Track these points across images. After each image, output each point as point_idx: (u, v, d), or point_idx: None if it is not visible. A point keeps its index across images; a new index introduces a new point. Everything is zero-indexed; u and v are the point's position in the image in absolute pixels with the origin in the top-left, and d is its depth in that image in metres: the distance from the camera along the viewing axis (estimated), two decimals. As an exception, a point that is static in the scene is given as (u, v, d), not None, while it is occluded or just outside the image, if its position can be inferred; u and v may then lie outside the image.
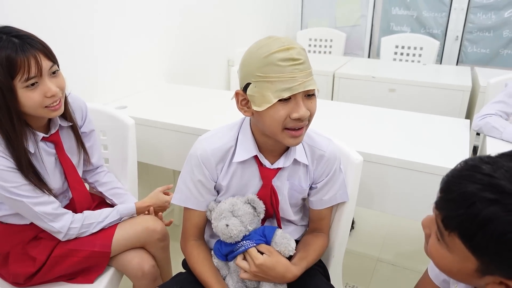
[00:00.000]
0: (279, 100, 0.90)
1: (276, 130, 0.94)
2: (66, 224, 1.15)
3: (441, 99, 2.38)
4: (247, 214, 1.02)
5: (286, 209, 1.12)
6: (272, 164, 1.05)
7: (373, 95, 2.54)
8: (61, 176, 1.22)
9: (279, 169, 1.06)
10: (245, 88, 0.94)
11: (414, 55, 3.30)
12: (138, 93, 2.11)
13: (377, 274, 1.98)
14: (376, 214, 2.42)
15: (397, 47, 3.34)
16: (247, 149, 1.03)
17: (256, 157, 1.04)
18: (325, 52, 3.68)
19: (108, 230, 1.22)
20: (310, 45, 3.71)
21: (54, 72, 1.06)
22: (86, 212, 1.22)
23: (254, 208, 1.04)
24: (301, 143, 1.07)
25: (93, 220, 1.21)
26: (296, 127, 0.94)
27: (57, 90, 1.05)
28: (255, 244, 1.01)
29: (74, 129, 1.25)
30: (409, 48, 3.31)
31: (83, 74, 1.81)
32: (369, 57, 3.79)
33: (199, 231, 1.12)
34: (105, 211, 1.25)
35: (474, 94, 2.41)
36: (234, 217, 1.02)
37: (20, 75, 0.98)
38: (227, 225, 1.01)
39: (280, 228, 1.13)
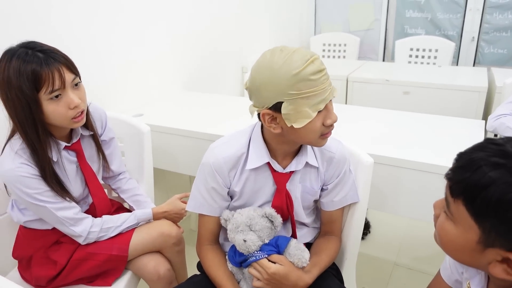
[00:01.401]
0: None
1: (314, 139, 0.98)
2: (86, 228, 1.20)
3: (457, 101, 2.35)
4: (265, 229, 1.03)
5: (300, 212, 1.13)
6: (284, 168, 1.07)
7: (387, 98, 2.53)
8: (81, 183, 1.27)
9: (291, 173, 1.08)
10: (273, 107, 0.92)
11: (429, 57, 3.27)
12: (154, 101, 2.16)
13: (393, 278, 1.96)
14: (392, 218, 2.40)
15: (411, 49, 3.32)
16: (259, 156, 1.04)
17: (268, 163, 1.06)
18: (339, 57, 3.68)
19: (126, 235, 1.26)
20: (324, 50, 3.72)
21: (76, 84, 1.11)
22: (105, 217, 1.26)
23: (272, 222, 1.04)
24: (311, 146, 1.09)
25: (111, 224, 1.25)
26: (329, 130, 0.99)
27: (79, 102, 1.10)
28: (266, 256, 1.02)
29: (95, 137, 1.30)
30: (424, 50, 3.28)
31: (101, 83, 1.87)
32: (383, 60, 3.77)
33: (214, 236, 1.15)
34: (123, 216, 1.29)
35: (491, 95, 2.38)
36: (252, 232, 1.02)
37: (45, 88, 1.03)
38: (245, 240, 1.01)
39: (295, 232, 1.14)
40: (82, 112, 1.13)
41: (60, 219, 1.16)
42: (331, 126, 0.97)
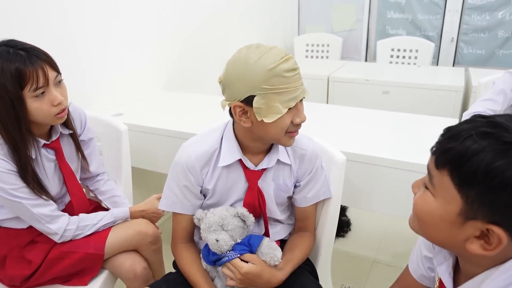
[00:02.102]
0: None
1: (280, 136, 0.99)
2: (62, 225, 1.19)
3: (434, 100, 2.40)
4: (237, 228, 1.04)
5: (273, 209, 1.15)
6: (256, 166, 1.08)
7: (367, 98, 2.57)
8: (59, 182, 1.26)
9: (263, 170, 1.09)
10: (245, 100, 0.94)
11: (410, 57, 3.32)
12: (134, 101, 2.15)
13: (373, 275, 1.99)
14: (372, 216, 2.44)
15: (393, 50, 3.37)
16: (231, 153, 1.06)
17: (240, 160, 1.07)
18: (322, 57, 3.71)
19: (102, 233, 1.26)
20: (307, 50, 3.75)
21: (59, 82, 1.13)
22: (81, 215, 1.26)
23: (244, 221, 1.05)
24: None
25: (88, 222, 1.25)
26: (295, 130, 1.00)
27: (63, 99, 1.12)
28: (238, 255, 1.03)
29: (74, 136, 1.30)
30: (404, 51, 3.33)
31: (80, 82, 1.86)
32: (366, 60, 3.82)
33: (188, 234, 1.15)
34: (100, 214, 1.29)
35: (467, 94, 2.44)
36: (224, 231, 1.03)
37: (29, 86, 1.04)
38: (217, 240, 1.02)
39: (267, 230, 1.16)
40: (64, 109, 1.14)
41: (36, 216, 1.15)
42: (298, 125, 0.99)
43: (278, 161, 1.09)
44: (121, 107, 2.04)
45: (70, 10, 1.75)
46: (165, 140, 1.77)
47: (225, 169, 1.08)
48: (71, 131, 1.28)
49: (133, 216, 1.35)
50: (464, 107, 2.42)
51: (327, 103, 2.74)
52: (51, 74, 1.08)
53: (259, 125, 0.97)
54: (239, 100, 0.95)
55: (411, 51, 3.32)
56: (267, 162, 1.08)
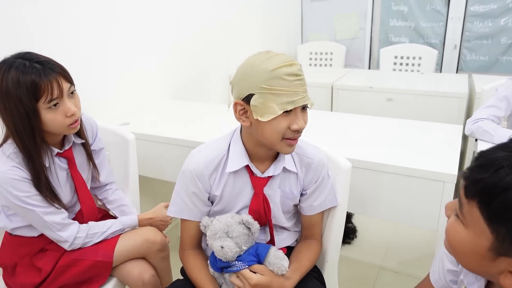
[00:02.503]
0: (282, 112, 0.96)
1: (276, 140, 1.00)
2: (72, 233, 1.21)
3: (438, 107, 2.41)
4: (242, 235, 1.05)
5: (279, 216, 1.16)
6: (262, 173, 1.10)
7: (371, 105, 2.59)
8: (71, 191, 1.29)
9: (269, 177, 1.10)
10: (246, 98, 0.98)
11: (413, 64, 3.34)
12: (141, 110, 2.18)
13: (379, 281, 1.99)
14: (378, 223, 2.44)
15: (396, 57, 3.39)
16: (239, 159, 1.07)
17: (247, 166, 1.09)
18: (325, 65, 3.74)
19: (111, 241, 1.28)
20: (311, 59, 3.78)
21: (72, 93, 1.15)
22: (91, 223, 1.28)
23: (249, 228, 1.06)
24: None
25: (97, 230, 1.27)
26: (293, 137, 1.01)
27: (76, 110, 1.15)
28: (247, 266, 1.04)
29: (86, 146, 1.32)
30: (408, 58, 3.35)
31: (89, 92, 1.89)
32: (369, 68, 3.83)
33: (196, 240, 1.17)
34: (109, 222, 1.31)
35: (471, 101, 2.44)
36: (229, 238, 1.04)
37: (44, 98, 1.07)
38: (222, 247, 1.03)
39: (273, 237, 1.17)
40: (77, 120, 1.17)
41: (48, 224, 1.17)
42: (296, 133, 1.00)
43: (285, 169, 1.11)
44: (128, 116, 2.07)
45: (80, 20, 1.79)
46: (171, 148, 1.79)
47: (232, 175, 1.09)
48: (83, 141, 1.30)
49: (141, 224, 1.36)
50: (468, 114, 2.43)
51: (331, 110, 2.76)
52: (65, 85, 1.11)
53: (257, 125, 0.99)
54: (240, 98, 0.99)
55: (414, 58, 3.33)
56: (273, 169, 1.10)
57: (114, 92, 2.04)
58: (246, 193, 1.12)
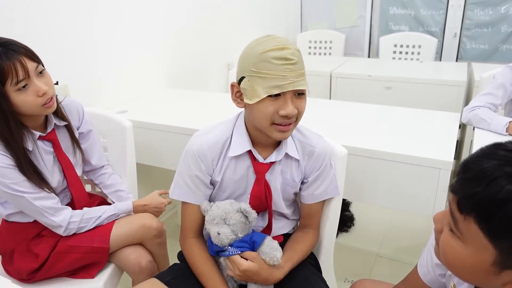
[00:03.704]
0: (269, 96, 0.95)
1: (265, 124, 0.99)
2: (66, 218, 1.21)
3: (437, 95, 2.40)
4: (239, 223, 1.05)
5: (279, 203, 1.16)
6: (265, 159, 1.09)
7: (370, 93, 2.58)
8: (60, 174, 1.28)
9: (271, 163, 1.10)
10: (239, 81, 0.99)
11: (413, 53, 3.32)
12: (139, 98, 2.18)
13: (376, 268, 2.01)
14: (376, 211, 2.45)
15: (395, 46, 3.37)
16: (241, 144, 1.07)
17: (250, 152, 1.08)
18: (325, 54, 3.72)
19: (106, 227, 1.28)
20: (310, 47, 3.76)
21: (41, 72, 1.13)
22: (85, 209, 1.29)
23: (246, 217, 1.06)
24: (292, 139, 1.12)
25: (92, 215, 1.27)
26: (283, 123, 0.99)
27: (47, 88, 1.13)
28: (239, 252, 1.05)
29: (69, 128, 1.31)
30: (407, 46, 3.33)
31: (87, 80, 1.89)
32: (369, 57, 3.81)
33: (198, 227, 1.15)
34: (103, 207, 1.31)
35: (470, 89, 2.44)
36: (226, 225, 1.05)
37: (10, 80, 1.05)
38: (218, 233, 1.04)
39: (271, 223, 1.17)
40: (51, 98, 1.15)
41: (39, 209, 1.17)
42: (285, 118, 0.98)
43: (287, 155, 1.10)
44: (125, 104, 2.07)
45: (75, 10, 1.77)
46: (169, 136, 1.79)
47: (234, 160, 1.09)
48: (65, 123, 1.29)
49: (136, 210, 1.37)
50: (467, 102, 2.42)
51: (330, 99, 2.75)
52: (31, 65, 1.09)
53: (249, 108, 1.02)
54: (237, 80, 1.01)
55: (414, 47, 3.31)
56: (276, 155, 1.09)
57: (111, 81, 2.03)
58: (247, 179, 1.12)
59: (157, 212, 1.40)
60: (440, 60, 3.51)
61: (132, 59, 2.14)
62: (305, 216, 1.22)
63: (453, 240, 0.60)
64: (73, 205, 1.31)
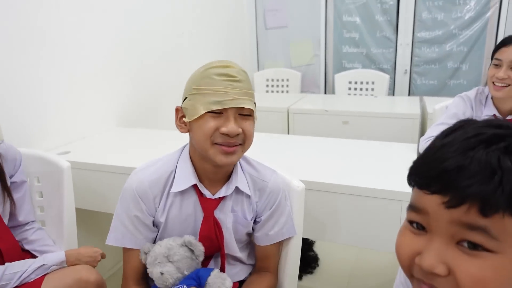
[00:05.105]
0: (210, 113, 0.89)
1: (206, 144, 0.91)
2: None
3: (393, 128, 2.42)
4: (184, 259, 0.94)
5: (231, 245, 1.05)
6: (213, 194, 0.99)
7: (328, 128, 2.56)
8: None
9: (221, 199, 1.00)
10: (183, 103, 0.96)
11: (367, 89, 3.39)
12: (85, 138, 2.03)
13: (343, 312, 1.89)
14: (341, 250, 2.36)
15: (350, 82, 3.44)
16: (186, 177, 0.97)
17: (195, 187, 0.98)
18: (282, 91, 3.74)
19: (33, 284, 1.10)
20: (267, 85, 3.77)
21: None
22: (7, 263, 1.11)
23: (192, 251, 0.96)
24: (243, 174, 1.03)
25: (16, 269, 1.10)
26: (225, 143, 0.91)
27: None
28: None
29: (1, 176, 1.17)
30: (361, 83, 3.41)
31: (26, 118, 1.72)
32: (325, 93, 3.87)
33: (140, 273, 1.03)
34: (30, 260, 1.14)
35: (424, 121, 2.48)
36: (170, 263, 0.94)
37: None
38: (161, 273, 0.92)
39: (223, 265, 1.05)
40: None
41: None
42: (226, 137, 0.91)
43: (237, 190, 1.01)
44: (69, 145, 1.91)
45: (14, 41, 1.64)
46: (114, 178, 1.64)
47: (179, 196, 0.98)
48: None
49: (68, 260, 1.20)
50: (422, 133, 2.45)
51: (288, 133, 2.71)
52: None
53: (191, 133, 0.95)
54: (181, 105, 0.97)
55: (367, 83, 3.39)
56: (225, 190, 1.00)
57: (54, 120, 1.88)
58: (194, 218, 1.00)
59: (92, 261, 1.24)
60: (393, 95, 3.61)
61: (79, 96, 2.01)
62: (261, 258, 1.11)
63: (486, 261, 0.44)
64: (2, 260, 1.12)
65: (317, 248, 2.32)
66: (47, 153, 1.44)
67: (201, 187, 0.98)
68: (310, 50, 3.82)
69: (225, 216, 1.02)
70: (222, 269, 1.05)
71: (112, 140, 2.03)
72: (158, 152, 1.80)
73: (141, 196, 0.96)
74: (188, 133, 0.98)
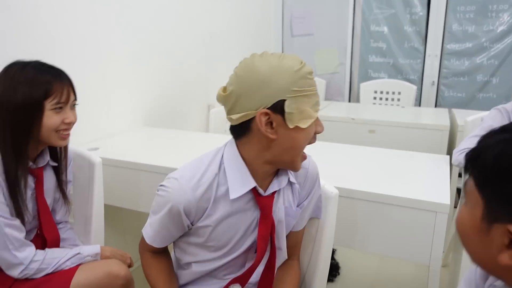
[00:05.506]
0: None
1: (299, 153, 0.89)
2: (29, 255, 1.09)
3: (420, 139, 2.38)
4: None
5: (282, 239, 1.02)
6: (264, 191, 0.94)
7: (354, 136, 2.54)
8: (32, 212, 1.17)
9: (273, 194, 0.96)
10: (273, 107, 0.83)
11: (393, 99, 3.35)
12: (113, 136, 2.05)
13: (365, 324, 1.85)
14: (362, 258, 2.32)
15: (375, 92, 3.40)
16: (243, 181, 0.90)
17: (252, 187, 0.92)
18: (306, 98, 3.72)
19: (67, 272, 1.13)
20: (291, 92, 3.76)
21: (74, 105, 1.18)
22: (48, 249, 1.15)
23: None
24: None
25: (56, 255, 1.14)
26: (312, 141, 0.92)
27: (74, 120, 1.16)
28: None
29: (58, 172, 1.24)
30: (387, 93, 3.37)
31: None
32: (349, 102, 3.84)
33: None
34: (67, 249, 1.18)
35: (453, 134, 2.42)
36: None
37: (52, 98, 1.09)
38: None
39: (274, 263, 1.02)
40: (69, 132, 1.17)
41: (6, 238, 1.05)
42: (315, 139, 0.91)
43: (288, 181, 0.98)
44: (97, 141, 1.93)
45: (50, 41, 1.68)
46: (143, 175, 1.65)
47: (229, 199, 0.92)
48: (56, 164, 1.22)
49: (103, 254, 1.22)
50: (451, 146, 2.40)
51: (313, 141, 2.69)
52: (72, 96, 1.15)
53: (284, 137, 0.86)
54: (265, 107, 0.83)
55: (393, 93, 3.35)
56: (278, 183, 0.95)
57: (83, 118, 1.90)
58: (246, 218, 0.95)
59: (123, 260, 1.25)
60: (420, 106, 3.55)
61: (108, 95, 2.04)
62: (291, 245, 1.08)
63: (462, 208, 0.63)
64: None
65: (338, 256, 2.29)
66: (80, 148, 1.45)
67: (257, 188, 0.93)
68: (336, 58, 3.81)
69: (278, 210, 0.98)
70: (272, 265, 1.02)
71: (140, 139, 2.05)
72: (186, 152, 1.82)
73: (187, 213, 0.91)
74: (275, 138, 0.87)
